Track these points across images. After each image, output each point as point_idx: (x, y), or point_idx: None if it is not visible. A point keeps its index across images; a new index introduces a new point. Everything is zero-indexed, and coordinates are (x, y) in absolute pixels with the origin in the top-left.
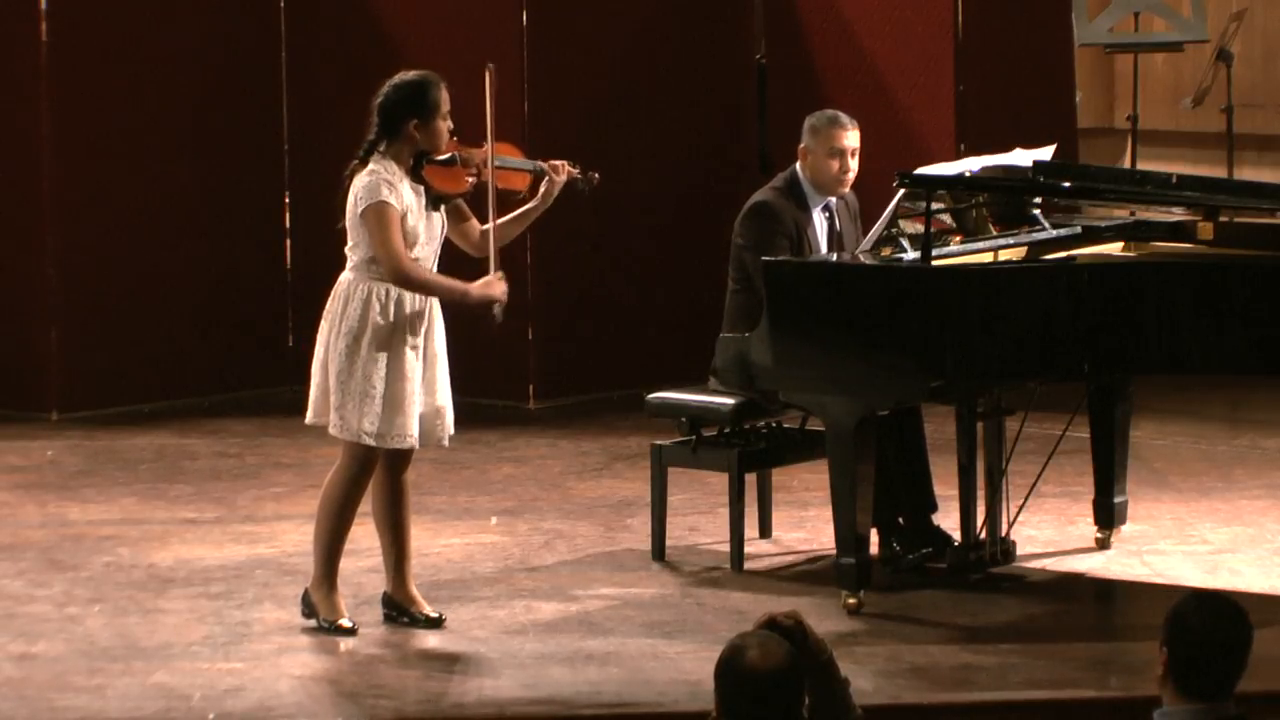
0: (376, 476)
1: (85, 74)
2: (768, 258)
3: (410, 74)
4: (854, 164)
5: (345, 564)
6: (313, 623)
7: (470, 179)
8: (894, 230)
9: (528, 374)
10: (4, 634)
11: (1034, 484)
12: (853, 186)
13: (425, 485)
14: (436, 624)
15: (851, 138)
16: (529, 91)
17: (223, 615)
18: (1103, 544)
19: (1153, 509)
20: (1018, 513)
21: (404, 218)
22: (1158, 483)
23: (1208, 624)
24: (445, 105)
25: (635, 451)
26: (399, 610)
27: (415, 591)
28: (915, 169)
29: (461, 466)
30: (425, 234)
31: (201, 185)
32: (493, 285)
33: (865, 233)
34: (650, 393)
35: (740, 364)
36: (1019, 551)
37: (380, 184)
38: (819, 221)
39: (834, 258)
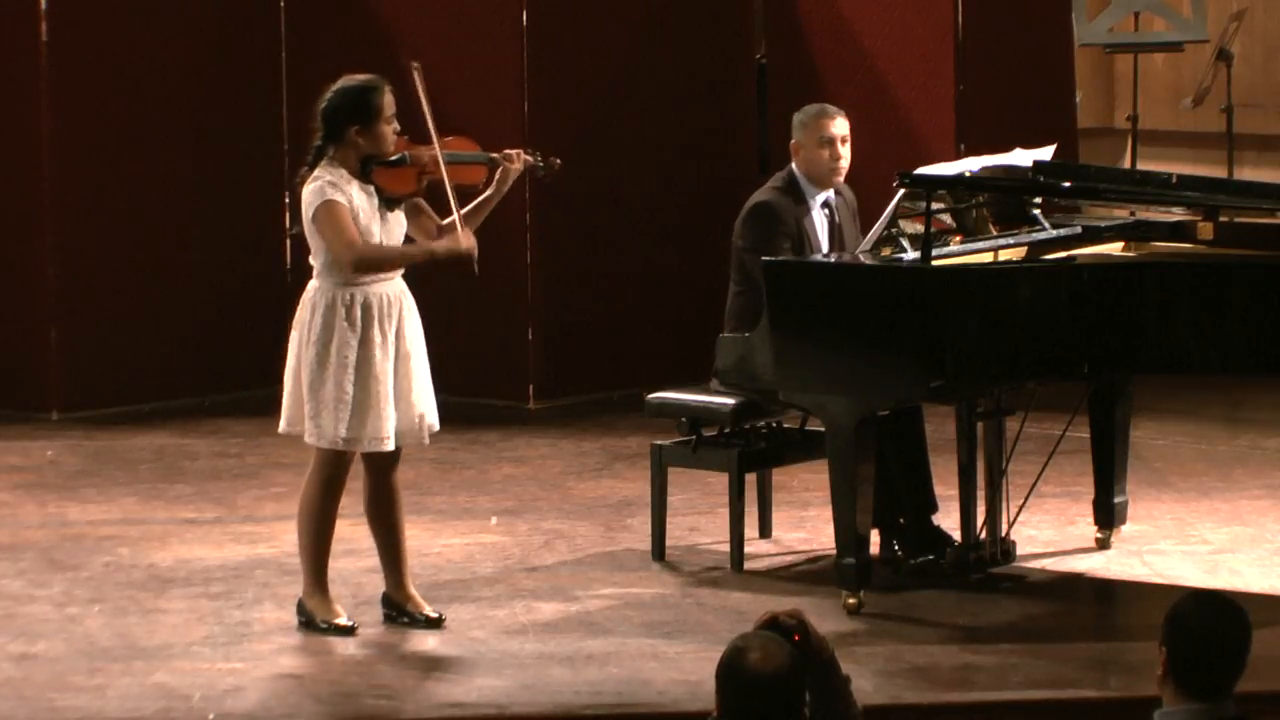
0: (364, 479)
1: (85, 74)
2: (767, 258)
3: (355, 78)
4: (846, 152)
5: (345, 564)
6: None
7: (422, 178)
8: (894, 230)
9: (528, 374)
10: (4, 634)
11: (1034, 484)
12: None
13: (425, 485)
14: (436, 624)
15: (840, 125)
16: (529, 91)
17: (223, 615)
18: (1103, 544)
19: (1153, 509)
20: (1018, 513)
21: (355, 218)
22: (1158, 483)
23: (1207, 624)
24: (389, 109)
25: (635, 451)
26: (398, 610)
27: (414, 591)
28: (915, 169)
29: (461, 466)
30: (381, 234)
31: (201, 185)
32: (457, 239)
33: (865, 230)
34: (650, 393)
35: (741, 364)
36: (1019, 551)
37: (324, 187)
38: (819, 218)
39: (834, 258)
